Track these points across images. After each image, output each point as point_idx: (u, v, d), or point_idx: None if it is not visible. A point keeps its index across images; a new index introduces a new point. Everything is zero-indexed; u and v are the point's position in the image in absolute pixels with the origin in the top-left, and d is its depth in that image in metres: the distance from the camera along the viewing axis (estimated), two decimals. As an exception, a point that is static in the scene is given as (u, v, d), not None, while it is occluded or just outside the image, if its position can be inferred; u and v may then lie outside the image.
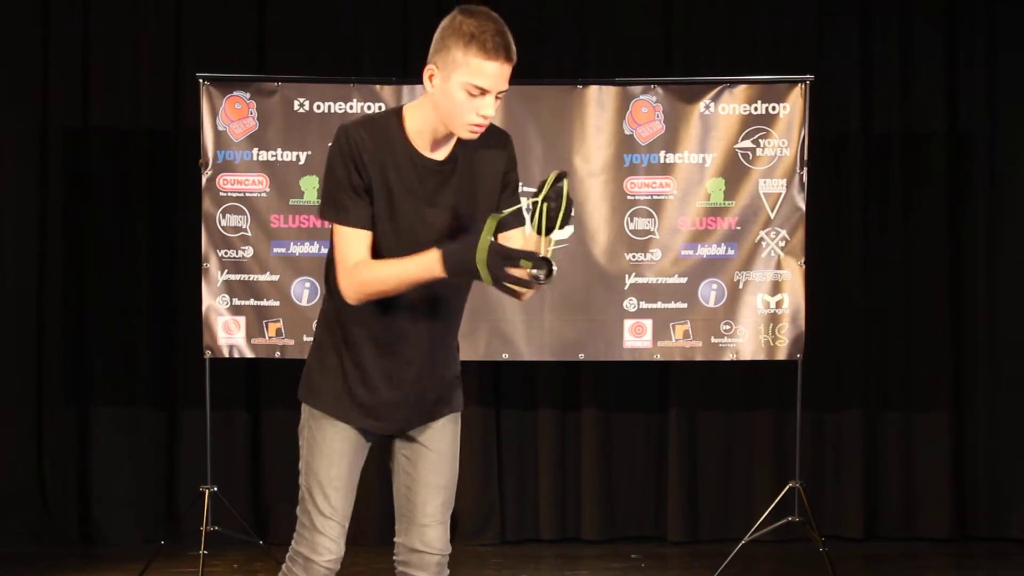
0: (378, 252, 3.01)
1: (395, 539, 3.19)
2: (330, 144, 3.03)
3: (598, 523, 6.37)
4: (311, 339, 3.26)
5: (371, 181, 2.97)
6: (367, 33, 6.21)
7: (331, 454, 3.09)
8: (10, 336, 6.21)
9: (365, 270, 2.96)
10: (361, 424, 3.10)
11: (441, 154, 3.04)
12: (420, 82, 3.02)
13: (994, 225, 6.43)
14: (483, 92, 2.90)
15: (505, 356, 5.89)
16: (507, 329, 5.83)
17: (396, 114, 3.05)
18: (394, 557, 3.20)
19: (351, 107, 5.67)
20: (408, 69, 6.02)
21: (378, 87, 5.68)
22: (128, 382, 6.26)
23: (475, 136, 2.99)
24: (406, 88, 5.67)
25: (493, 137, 3.10)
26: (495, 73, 2.88)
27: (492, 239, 2.84)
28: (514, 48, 2.92)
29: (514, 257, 2.81)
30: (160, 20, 6.27)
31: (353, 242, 2.97)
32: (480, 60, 2.87)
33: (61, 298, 6.25)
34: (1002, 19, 6.40)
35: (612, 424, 6.41)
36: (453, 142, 3.04)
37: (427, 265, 2.89)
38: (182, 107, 6.22)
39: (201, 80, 5.69)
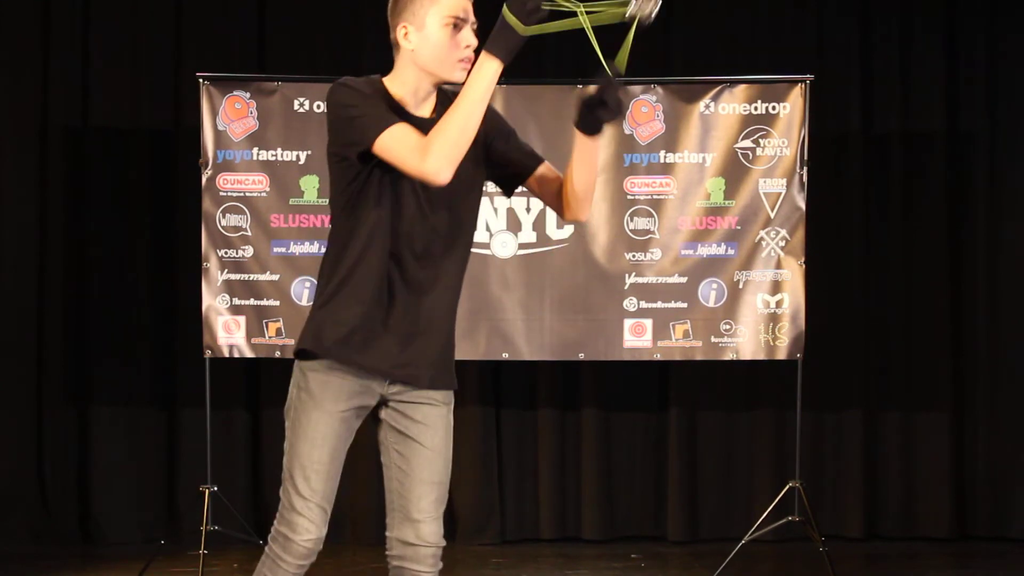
0: (367, 208, 3.02)
1: (387, 533, 3.19)
2: (328, 99, 3.07)
3: (598, 523, 6.36)
4: None
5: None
6: (367, 33, 6.21)
7: (315, 437, 3.11)
8: (10, 336, 6.21)
9: (436, 132, 2.92)
10: (360, 361, 3.07)
11: (426, 111, 3.09)
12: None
13: (994, 225, 6.43)
14: (463, 22, 3.01)
15: (505, 356, 5.89)
16: (507, 329, 5.84)
17: (379, 80, 3.12)
18: (387, 552, 3.19)
19: (351, 107, 5.67)
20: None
21: (378, 87, 5.68)
22: (128, 382, 6.25)
23: (467, 72, 3.01)
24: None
25: None
26: (465, 1, 3.02)
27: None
28: None
29: None
30: (160, 20, 6.27)
31: (407, 131, 2.95)
32: None
33: (61, 298, 6.24)
34: (1002, 19, 6.40)
35: (612, 424, 6.41)
36: (434, 100, 3.09)
37: (480, 65, 2.90)
38: (182, 107, 6.22)
39: (201, 80, 5.69)
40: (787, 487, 5.68)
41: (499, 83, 6.03)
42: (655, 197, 5.85)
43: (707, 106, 5.82)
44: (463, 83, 2.98)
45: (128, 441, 6.26)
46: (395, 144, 2.94)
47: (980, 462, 6.43)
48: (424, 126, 2.98)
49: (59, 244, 6.25)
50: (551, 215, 5.81)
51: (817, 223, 6.01)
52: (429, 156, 2.90)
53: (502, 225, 5.78)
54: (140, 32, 6.28)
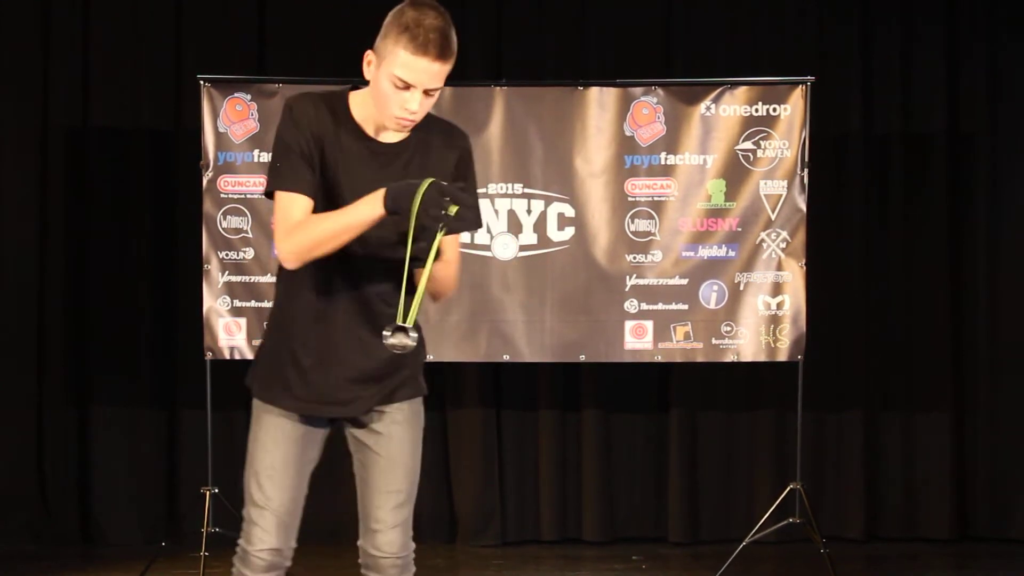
0: None
1: (358, 543, 3.15)
2: (282, 111, 2.98)
3: (599, 524, 6.36)
4: None
5: (317, 153, 2.92)
6: (368, 34, 6.19)
7: (266, 443, 3.04)
8: (10, 336, 6.21)
9: (306, 224, 2.88)
10: (299, 410, 3.04)
11: (393, 138, 3.00)
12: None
13: (994, 225, 6.43)
14: (408, 86, 2.84)
15: (506, 357, 5.89)
16: (508, 330, 5.83)
17: (343, 96, 3.01)
18: (359, 560, 3.16)
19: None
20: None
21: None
22: (128, 383, 6.25)
23: (402, 130, 2.94)
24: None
25: (448, 135, 3.05)
26: (422, 69, 2.81)
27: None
28: (453, 48, 2.85)
29: (450, 193, 2.74)
30: (160, 20, 6.26)
31: (295, 204, 2.90)
32: (408, 54, 2.81)
33: (61, 298, 6.24)
34: (1002, 19, 6.40)
35: (613, 425, 6.41)
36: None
37: (369, 200, 2.81)
38: (182, 108, 6.21)
39: (202, 81, 5.68)
40: (788, 489, 5.68)
41: (498, 84, 6.05)
42: (656, 199, 5.84)
43: (708, 108, 5.81)
44: (400, 133, 2.95)
45: (129, 442, 6.26)
46: (280, 208, 2.91)
47: (980, 462, 6.44)
48: (381, 151, 2.90)
49: (59, 244, 6.24)
50: (552, 217, 5.82)
51: (818, 225, 6.01)
52: (288, 241, 2.88)
53: (503, 227, 5.77)
54: (140, 32, 6.26)
